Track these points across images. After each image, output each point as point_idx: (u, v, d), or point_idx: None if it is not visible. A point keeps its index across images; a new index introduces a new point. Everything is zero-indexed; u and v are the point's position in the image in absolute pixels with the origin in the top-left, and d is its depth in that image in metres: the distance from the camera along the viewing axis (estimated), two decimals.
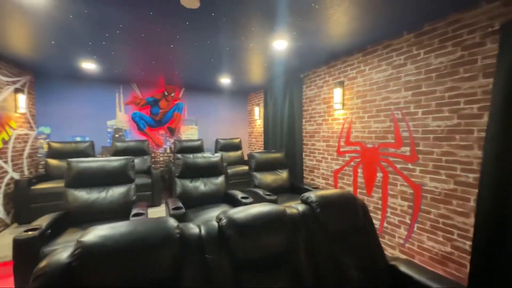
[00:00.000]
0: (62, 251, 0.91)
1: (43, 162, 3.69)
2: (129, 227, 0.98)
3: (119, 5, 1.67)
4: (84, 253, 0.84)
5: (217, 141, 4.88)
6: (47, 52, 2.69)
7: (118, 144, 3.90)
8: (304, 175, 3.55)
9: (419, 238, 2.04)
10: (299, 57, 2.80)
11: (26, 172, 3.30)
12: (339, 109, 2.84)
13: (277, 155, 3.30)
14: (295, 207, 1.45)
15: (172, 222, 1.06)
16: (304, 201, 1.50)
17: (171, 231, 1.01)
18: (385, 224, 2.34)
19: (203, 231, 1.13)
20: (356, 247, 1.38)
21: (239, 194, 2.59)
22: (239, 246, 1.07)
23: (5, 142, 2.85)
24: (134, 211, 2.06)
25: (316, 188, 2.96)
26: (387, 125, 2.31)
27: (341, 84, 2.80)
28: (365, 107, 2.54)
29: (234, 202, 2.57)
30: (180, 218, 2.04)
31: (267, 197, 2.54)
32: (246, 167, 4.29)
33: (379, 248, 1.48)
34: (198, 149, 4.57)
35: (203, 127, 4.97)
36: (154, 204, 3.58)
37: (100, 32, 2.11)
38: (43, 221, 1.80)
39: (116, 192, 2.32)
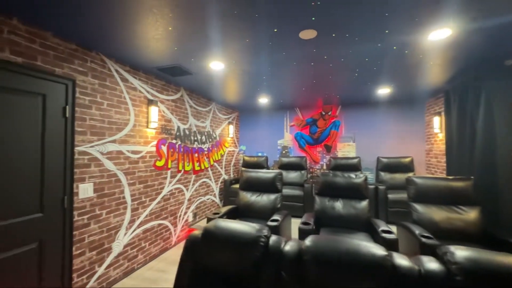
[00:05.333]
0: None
1: (241, 170, 5.40)
2: (232, 225, 1.31)
3: (267, 61, 2.22)
4: (203, 234, 1.27)
5: (378, 160, 4.29)
6: (243, 96, 4.05)
7: (283, 159, 4.74)
8: None
9: None
10: (502, 35, 1.86)
11: (232, 176, 5.02)
12: None
13: (458, 183, 2.30)
14: (421, 261, 1.05)
15: (264, 230, 1.25)
16: (440, 258, 1.03)
17: (258, 237, 1.20)
18: None
19: (286, 247, 1.20)
20: None
21: (382, 226, 2.17)
22: (312, 276, 1.01)
23: (222, 156, 4.58)
24: (273, 217, 2.46)
25: None
26: None
27: None
28: None
29: (374, 234, 2.19)
30: (308, 234, 2.13)
31: (423, 239, 1.89)
32: None
33: None
34: (354, 167, 4.30)
35: (362, 144, 4.60)
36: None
37: (257, 78, 2.86)
38: (223, 210, 2.72)
39: (267, 198, 2.91)
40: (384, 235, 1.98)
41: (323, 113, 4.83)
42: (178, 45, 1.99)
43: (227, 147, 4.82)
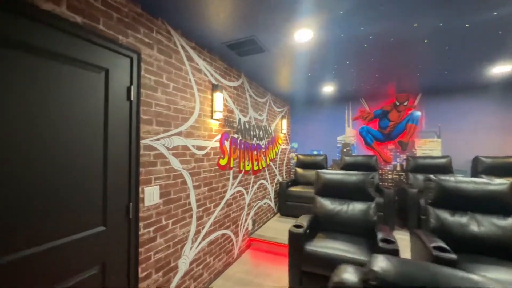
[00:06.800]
0: (348, 271, 0.87)
1: (293, 170, 4.82)
2: (428, 272, 0.73)
3: (379, 22, 1.61)
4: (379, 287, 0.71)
5: (476, 160, 3.39)
6: (298, 87, 3.50)
7: (347, 158, 4.04)
8: None
9: None
10: None
11: (284, 177, 4.46)
12: None
13: None
14: None
15: None
16: None
17: None
18: None
19: None
20: None
21: None
22: None
23: (276, 154, 4.04)
24: (380, 235, 1.83)
25: None
26: None
27: None
28: None
29: None
30: (449, 266, 1.47)
31: None
32: None
33: None
34: (443, 168, 3.47)
35: (450, 140, 3.72)
36: None
37: (344, 53, 2.25)
38: (303, 221, 2.15)
39: (356, 208, 2.28)
40: None
41: (397, 103, 4.02)
42: (264, 6, 1.47)
43: (280, 145, 4.27)
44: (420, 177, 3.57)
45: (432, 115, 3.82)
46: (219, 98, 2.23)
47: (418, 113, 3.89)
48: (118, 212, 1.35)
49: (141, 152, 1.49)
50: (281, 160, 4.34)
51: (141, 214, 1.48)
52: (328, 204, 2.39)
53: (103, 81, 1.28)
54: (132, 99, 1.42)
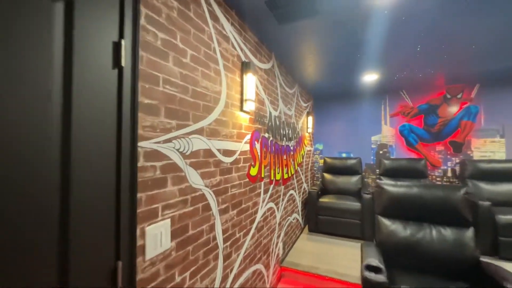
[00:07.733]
0: None
1: (317, 175, 4.16)
2: None
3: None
4: None
5: None
6: (329, 76, 2.90)
7: (386, 162, 3.38)
8: None
9: None
10: None
11: (309, 184, 3.79)
12: None
13: None
14: None
15: None
16: None
17: None
18: None
19: None
20: None
21: None
22: None
23: (302, 157, 3.38)
24: None
25: None
26: None
27: None
28: None
29: None
30: None
31: None
32: None
33: None
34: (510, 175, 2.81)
35: None
36: None
37: (433, 18, 1.59)
38: (371, 256, 1.48)
39: (446, 236, 1.61)
40: None
41: (448, 96, 3.35)
42: None
43: (305, 146, 3.61)
44: (483, 185, 2.90)
45: (493, 110, 3.15)
46: (250, 82, 1.57)
47: (476, 107, 3.22)
48: (92, 285, 0.69)
49: (140, 163, 0.82)
50: (306, 164, 3.67)
51: (140, 276, 0.82)
52: (399, 230, 1.72)
53: (61, 23, 0.62)
54: (123, 64, 0.75)
